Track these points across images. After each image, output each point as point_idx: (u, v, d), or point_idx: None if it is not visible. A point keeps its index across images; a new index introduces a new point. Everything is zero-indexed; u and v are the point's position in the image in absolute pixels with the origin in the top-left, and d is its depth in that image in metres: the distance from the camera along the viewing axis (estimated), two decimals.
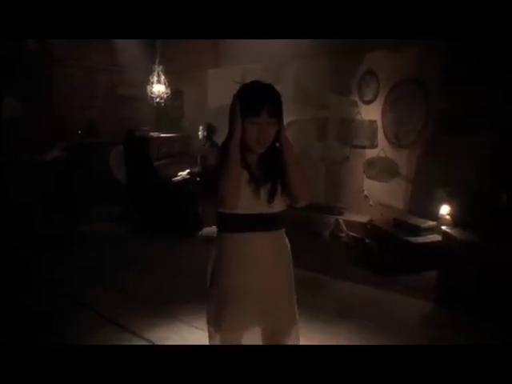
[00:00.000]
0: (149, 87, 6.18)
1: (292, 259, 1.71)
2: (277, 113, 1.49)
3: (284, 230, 1.67)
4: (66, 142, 5.46)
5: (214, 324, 1.63)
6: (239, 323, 1.62)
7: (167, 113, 7.12)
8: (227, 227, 1.60)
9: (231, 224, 1.59)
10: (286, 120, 1.56)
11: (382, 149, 5.09)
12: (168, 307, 3.29)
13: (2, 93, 2.20)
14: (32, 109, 4.78)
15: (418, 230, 4.20)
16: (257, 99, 1.48)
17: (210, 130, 5.60)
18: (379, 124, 5.08)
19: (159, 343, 2.77)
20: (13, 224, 2.09)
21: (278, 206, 1.57)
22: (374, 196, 5.25)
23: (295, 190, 1.53)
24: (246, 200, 1.52)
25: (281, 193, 1.55)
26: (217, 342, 1.63)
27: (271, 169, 1.55)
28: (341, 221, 5.13)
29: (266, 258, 1.59)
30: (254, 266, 1.59)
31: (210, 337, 1.65)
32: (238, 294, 1.60)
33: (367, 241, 4.67)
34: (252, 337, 1.65)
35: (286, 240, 1.69)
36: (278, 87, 1.57)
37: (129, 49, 6.25)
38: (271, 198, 1.53)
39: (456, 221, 3.75)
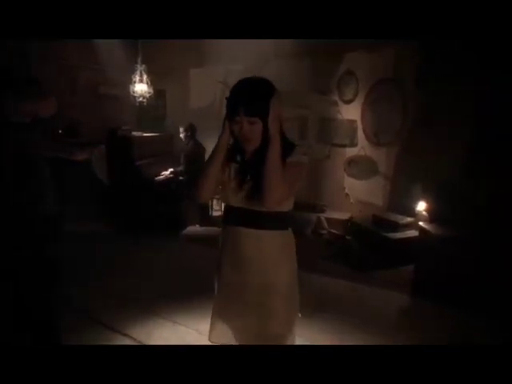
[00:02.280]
0: (131, 86, 6.16)
1: (293, 269, 1.64)
2: (256, 112, 1.43)
3: (280, 232, 1.59)
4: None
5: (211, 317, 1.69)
6: (224, 319, 1.65)
7: (150, 112, 7.11)
8: (223, 218, 1.65)
9: (224, 215, 1.64)
10: None
11: (361, 147, 5.20)
12: (150, 305, 3.32)
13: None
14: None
15: (396, 227, 4.32)
16: (233, 98, 1.46)
17: (192, 130, 5.65)
18: (359, 123, 5.19)
19: (141, 340, 2.80)
20: (14, 224, 2.13)
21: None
22: (354, 194, 5.36)
23: (263, 191, 1.43)
24: (231, 192, 1.55)
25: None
26: (211, 336, 1.68)
27: (256, 167, 1.47)
28: (322, 218, 5.21)
29: (247, 256, 1.55)
30: (234, 261, 1.59)
31: None
32: (222, 287, 1.65)
33: (348, 238, 4.77)
34: (243, 335, 1.65)
35: (284, 245, 1.61)
36: None
37: (111, 48, 6.22)
38: (250, 194, 1.50)
39: (432, 216, 3.88)
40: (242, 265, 1.57)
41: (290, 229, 1.65)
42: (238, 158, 1.57)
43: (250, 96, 1.45)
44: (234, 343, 1.65)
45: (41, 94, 2.30)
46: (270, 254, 1.57)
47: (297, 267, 1.67)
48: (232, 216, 1.58)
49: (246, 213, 1.53)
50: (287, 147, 1.50)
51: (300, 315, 1.69)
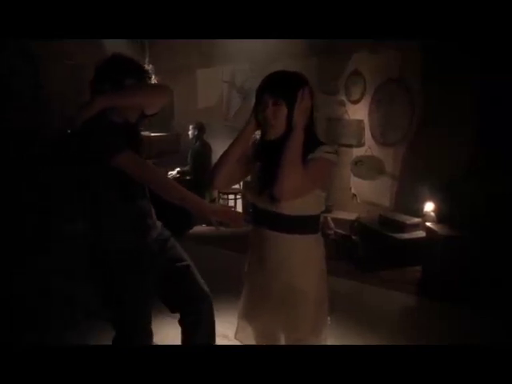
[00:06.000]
0: None
1: (321, 273, 1.58)
2: (282, 94, 1.43)
3: (306, 236, 1.53)
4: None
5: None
6: (251, 320, 1.65)
7: (157, 112, 7.12)
8: (250, 218, 1.63)
9: (251, 214, 1.61)
10: None
11: (368, 147, 5.18)
12: (157, 303, 3.32)
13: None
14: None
15: (403, 227, 4.29)
16: (263, 81, 1.49)
17: (201, 129, 5.66)
18: (366, 123, 5.17)
19: None
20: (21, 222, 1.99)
21: (291, 208, 1.45)
22: (361, 194, 5.34)
23: (274, 183, 1.39)
24: (253, 191, 1.53)
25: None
26: (237, 336, 1.70)
27: (275, 162, 1.41)
28: (329, 218, 5.20)
29: (271, 258, 1.52)
30: (260, 263, 1.57)
31: None
32: (248, 288, 1.66)
33: (354, 238, 4.75)
34: (269, 337, 1.67)
35: (310, 249, 1.55)
36: None
37: (118, 48, 6.23)
38: (273, 196, 1.42)
39: (439, 217, 3.86)
40: (266, 267, 1.54)
41: (319, 233, 1.59)
42: (262, 156, 1.54)
43: (279, 78, 1.48)
44: (260, 343, 1.67)
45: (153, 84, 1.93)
46: (295, 256, 1.52)
47: (326, 271, 1.62)
48: (255, 216, 1.57)
49: (267, 214, 1.50)
50: (312, 144, 1.46)
51: (330, 321, 1.65)
